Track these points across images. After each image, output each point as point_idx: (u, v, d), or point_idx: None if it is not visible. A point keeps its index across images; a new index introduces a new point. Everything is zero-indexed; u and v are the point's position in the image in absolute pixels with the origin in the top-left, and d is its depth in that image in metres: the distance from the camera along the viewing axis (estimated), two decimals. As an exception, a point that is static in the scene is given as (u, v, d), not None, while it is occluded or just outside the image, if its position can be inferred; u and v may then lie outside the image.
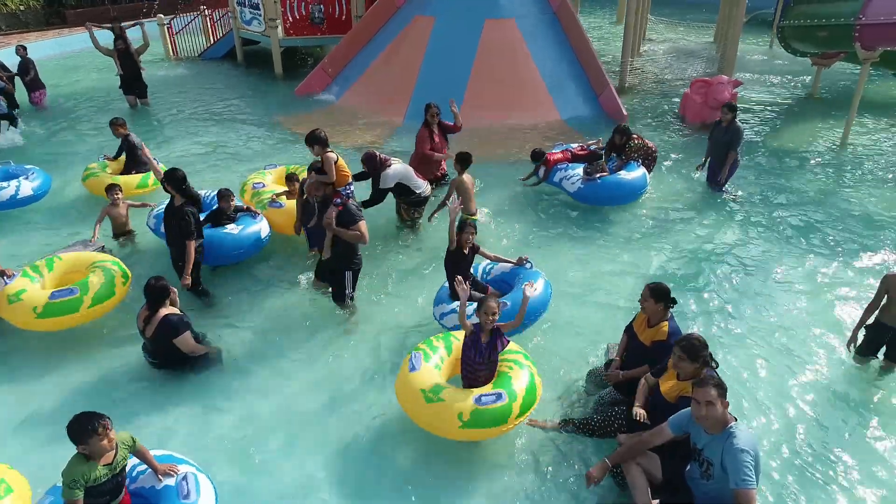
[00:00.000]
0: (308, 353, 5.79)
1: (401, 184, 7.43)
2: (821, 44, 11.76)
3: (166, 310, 5.35)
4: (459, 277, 4.81)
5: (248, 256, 7.00)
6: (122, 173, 8.84)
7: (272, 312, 6.40)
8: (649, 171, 8.64)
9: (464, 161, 7.34)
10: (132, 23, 13.18)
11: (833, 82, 14.10)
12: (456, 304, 5.55)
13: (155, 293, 5.31)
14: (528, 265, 6.00)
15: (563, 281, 6.72)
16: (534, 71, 12.13)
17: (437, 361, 4.75)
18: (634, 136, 8.53)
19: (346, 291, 6.12)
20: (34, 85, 12.85)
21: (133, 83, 12.90)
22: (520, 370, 4.61)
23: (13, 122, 11.61)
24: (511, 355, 4.77)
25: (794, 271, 6.99)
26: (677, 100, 12.99)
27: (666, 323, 4.53)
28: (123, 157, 8.96)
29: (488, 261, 6.20)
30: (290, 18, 15.05)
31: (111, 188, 7.52)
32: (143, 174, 8.73)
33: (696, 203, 8.62)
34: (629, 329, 4.84)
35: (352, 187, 7.26)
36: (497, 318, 4.47)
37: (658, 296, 4.46)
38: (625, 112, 11.64)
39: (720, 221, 8.11)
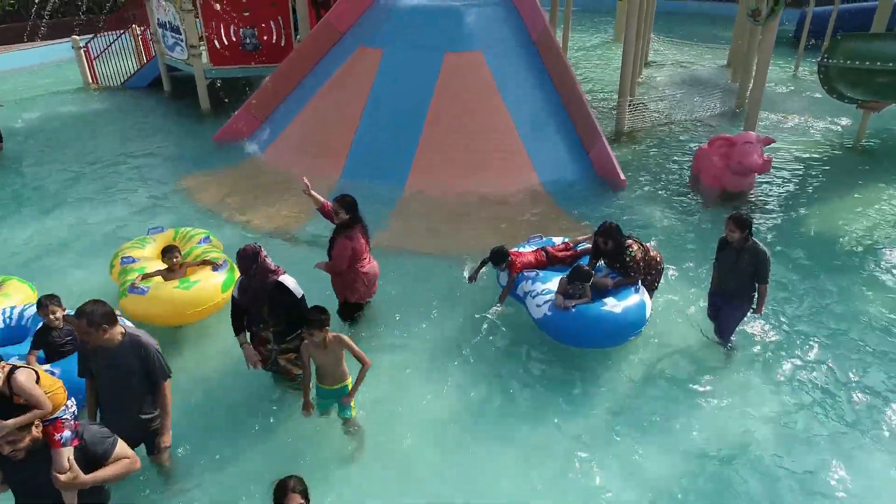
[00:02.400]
0: None
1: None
2: (880, 91, 9.10)
3: None
4: None
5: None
6: None
7: None
8: (652, 290, 6.01)
9: (320, 324, 4.39)
10: None
11: (882, 127, 11.40)
12: None
13: None
14: None
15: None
16: (506, 119, 9.46)
17: None
18: (631, 241, 5.82)
19: None
20: None
21: None
22: None
23: None
24: None
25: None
26: (688, 152, 10.35)
27: None
28: None
29: None
30: (218, 45, 12.39)
31: None
32: None
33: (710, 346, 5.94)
34: None
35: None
36: None
37: None
38: (621, 176, 8.97)
39: (755, 388, 5.43)
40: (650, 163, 10.15)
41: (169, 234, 6.89)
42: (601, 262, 6.00)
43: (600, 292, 5.70)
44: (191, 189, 9.40)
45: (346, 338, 4.53)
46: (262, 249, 4.85)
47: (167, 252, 5.95)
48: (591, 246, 6.33)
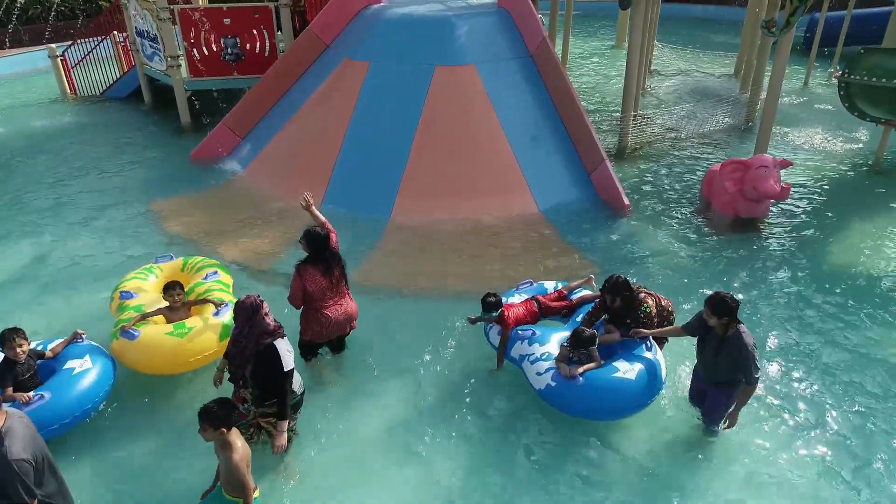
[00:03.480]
0: None
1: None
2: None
3: None
4: None
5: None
6: None
7: None
8: (662, 343, 5.34)
9: (218, 419, 3.65)
10: None
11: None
12: None
13: None
14: None
15: None
16: (501, 138, 8.79)
17: None
18: (644, 295, 5.08)
19: None
20: None
21: None
22: None
23: None
24: None
25: None
26: (696, 170, 9.70)
27: None
28: None
29: None
30: (198, 55, 11.70)
31: None
32: None
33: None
34: None
35: None
36: None
37: None
38: (625, 201, 8.31)
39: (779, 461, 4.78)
40: (656, 183, 9.48)
41: (177, 264, 6.33)
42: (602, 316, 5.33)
43: (608, 349, 5.04)
44: (164, 213, 8.72)
45: (233, 452, 3.65)
46: (265, 305, 4.25)
47: (168, 289, 5.40)
48: (588, 293, 5.70)
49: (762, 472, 4.58)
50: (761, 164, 7.68)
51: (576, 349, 4.79)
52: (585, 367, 4.76)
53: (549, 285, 5.95)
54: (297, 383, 4.49)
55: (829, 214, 8.44)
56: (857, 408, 5.14)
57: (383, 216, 8.26)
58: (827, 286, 6.79)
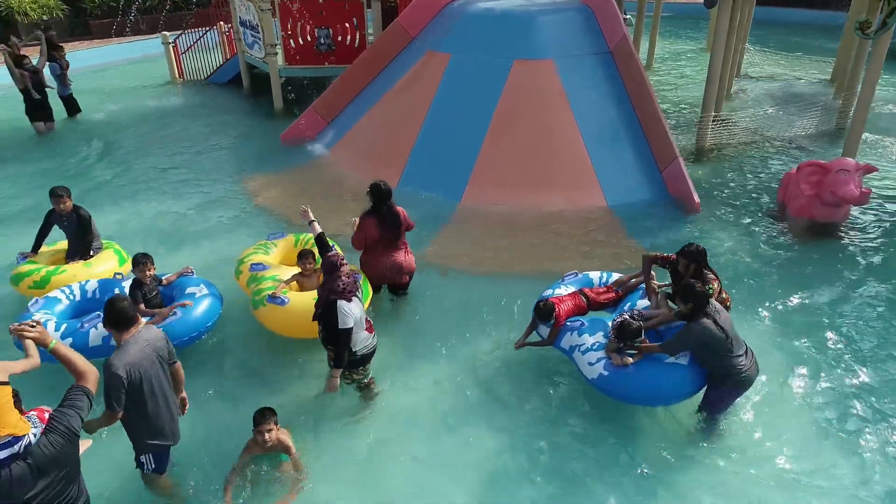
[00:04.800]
0: None
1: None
2: None
3: None
4: None
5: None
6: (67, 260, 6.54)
7: None
8: None
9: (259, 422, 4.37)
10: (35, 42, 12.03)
11: None
12: None
13: None
14: None
15: None
16: (574, 133, 8.94)
17: None
18: (713, 276, 5.15)
19: None
20: None
21: (43, 107, 11.64)
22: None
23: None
24: None
25: None
26: (776, 175, 9.46)
27: None
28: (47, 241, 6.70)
29: None
30: (293, 44, 12.49)
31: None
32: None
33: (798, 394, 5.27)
34: None
35: None
36: None
37: None
38: (696, 199, 8.27)
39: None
40: (731, 185, 9.33)
41: (290, 240, 6.80)
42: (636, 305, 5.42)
43: (658, 333, 5.15)
44: (253, 187, 9.46)
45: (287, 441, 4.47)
46: (344, 268, 4.72)
47: (302, 257, 5.87)
48: (633, 282, 5.76)
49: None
50: (841, 167, 7.46)
51: (622, 341, 4.92)
52: (638, 355, 4.87)
53: (595, 276, 6.06)
54: (361, 344, 4.86)
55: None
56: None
57: (454, 200, 8.60)
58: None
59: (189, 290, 5.82)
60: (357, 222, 5.96)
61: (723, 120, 10.92)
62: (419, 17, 10.57)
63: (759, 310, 6.35)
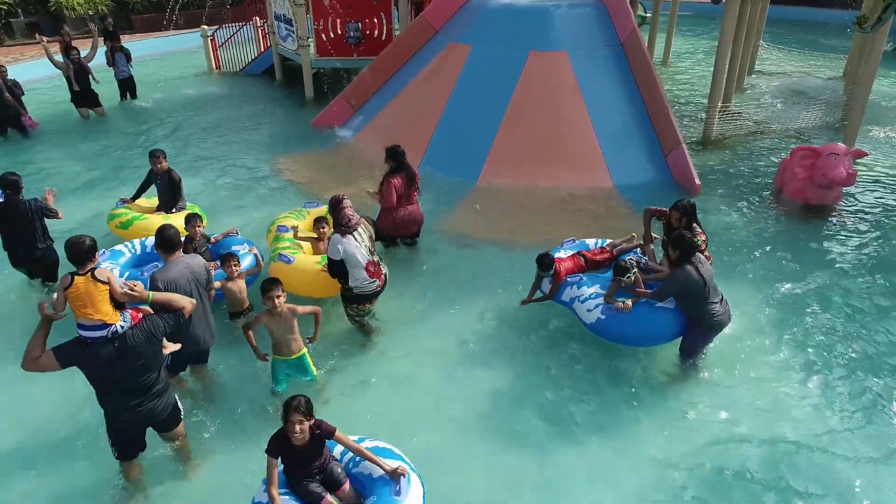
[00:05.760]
0: None
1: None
2: None
3: None
4: None
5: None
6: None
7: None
8: None
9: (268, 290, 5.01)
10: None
11: None
12: None
13: None
14: (400, 484, 3.78)
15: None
16: (584, 119, 9.59)
17: None
18: (700, 231, 5.80)
19: None
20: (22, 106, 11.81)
21: (86, 95, 12.50)
22: None
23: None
24: None
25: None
26: (775, 164, 9.97)
27: None
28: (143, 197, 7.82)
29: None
30: (325, 37, 13.31)
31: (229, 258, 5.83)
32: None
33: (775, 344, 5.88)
34: None
35: None
36: None
37: None
38: (697, 182, 8.85)
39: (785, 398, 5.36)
40: (733, 171, 9.88)
41: (323, 210, 7.42)
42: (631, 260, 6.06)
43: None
44: (287, 166, 10.28)
45: (297, 307, 5.06)
46: (345, 201, 5.45)
47: (317, 222, 6.56)
48: (626, 245, 6.39)
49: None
50: (832, 151, 8.00)
51: (617, 276, 5.60)
52: (634, 298, 5.54)
53: (591, 241, 6.72)
54: (357, 283, 5.52)
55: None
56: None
57: (471, 179, 9.30)
58: (882, 278, 7.04)
59: (234, 248, 6.59)
60: (374, 192, 6.96)
61: (730, 112, 11.45)
62: (443, 12, 11.29)
63: (748, 275, 6.97)
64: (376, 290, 5.69)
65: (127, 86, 13.68)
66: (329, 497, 3.83)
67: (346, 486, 3.95)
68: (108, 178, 9.92)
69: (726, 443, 4.82)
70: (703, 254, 5.68)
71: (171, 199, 7.41)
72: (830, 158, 7.96)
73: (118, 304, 3.86)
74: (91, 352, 3.76)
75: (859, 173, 9.34)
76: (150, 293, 4.07)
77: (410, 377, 5.57)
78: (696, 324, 5.33)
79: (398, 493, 3.73)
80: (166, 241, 4.73)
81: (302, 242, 6.61)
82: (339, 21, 13.14)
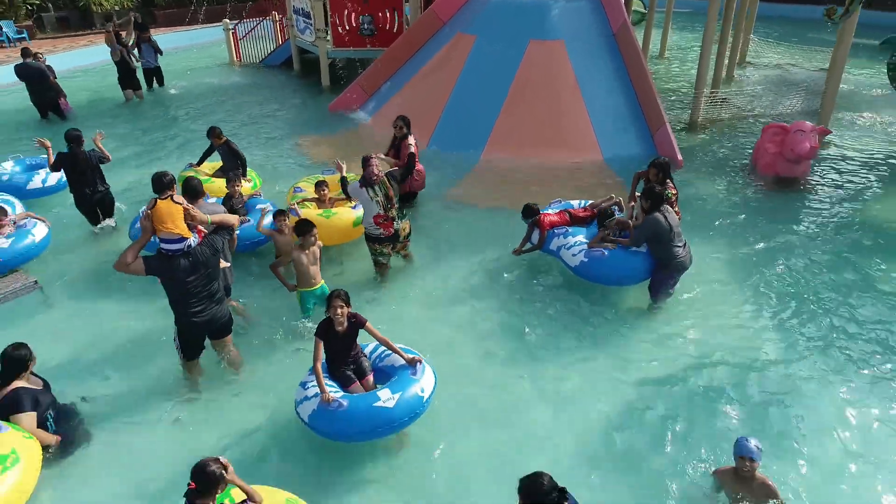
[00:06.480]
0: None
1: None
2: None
3: (20, 382, 4.64)
4: None
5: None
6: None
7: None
8: None
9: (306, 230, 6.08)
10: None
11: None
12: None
13: (9, 364, 4.63)
14: (417, 368, 4.81)
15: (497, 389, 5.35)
16: (578, 101, 10.54)
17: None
18: (671, 185, 6.81)
19: None
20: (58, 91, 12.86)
21: (133, 77, 13.80)
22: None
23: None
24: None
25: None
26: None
27: None
28: (208, 164, 8.96)
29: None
30: (341, 29, 14.31)
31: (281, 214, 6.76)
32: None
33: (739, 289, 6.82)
34: None
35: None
36: None
37: (530, 497, 3.11)
38: (680, 157, 9.79)
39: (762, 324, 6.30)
40: (715, 150, 10.81)
41: (336, 177, 8.22)
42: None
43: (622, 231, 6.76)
44: (307, 144, 11.28)
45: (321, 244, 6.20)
46: (373, 160, 6.51)
47: (318, 186, 7.57)
48: (606, 204, 7.32)
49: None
50: (799, 128, 8.91)
51: (601, 222, 6.62)
52: (612, 245, 6.51)
53: (575, 202, 7.66)
54: (368, 225, 6.61)
55: (872, 186, 9.38)
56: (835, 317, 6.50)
57: (475, 155, 10.27)
58: (845, 238, 7.92)
59: (259, 206, 7.54)
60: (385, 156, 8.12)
61: (716, 98, 12.37)
62: (450, 5, 12.26)
63: (721, 234, 7.92)
64: (381, 237, 6.67)
65: (153, 75, 14.70)
66: (357, 383, 4.81)
67: (370, 377, 4.94)
68: (143, 154, 10.97)
69: (696, 368, 5.69)
70: (672, 206, 6.64)
71: (232, 164, 8.46)
72: (798, 135, 8.87)
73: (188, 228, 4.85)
74: (171, 264, 4.75)
75: (830, 152, 10.28)
76: (209, 217, 5.06)
77: (409, 312, 6.55)
78: (663, 266, 6.27)
79: (415, 374, 4.71)
80: (191, 188, 5.78)
81: (308, 203, 7.56)
82: (353, 14, 14.13)
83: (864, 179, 9.56)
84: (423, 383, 4.75)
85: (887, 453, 4.74)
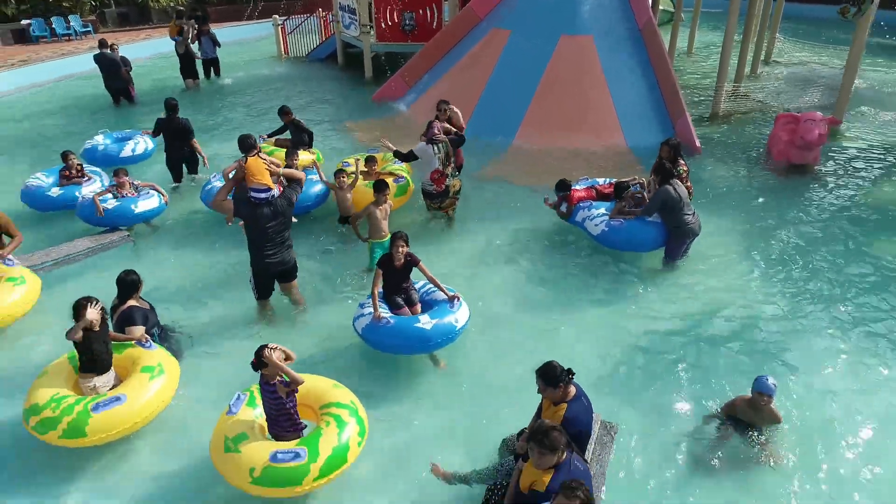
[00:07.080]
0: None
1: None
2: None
3: (133, 301, 5.62)
4: None
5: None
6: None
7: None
8: None
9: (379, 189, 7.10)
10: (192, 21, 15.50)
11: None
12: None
13: (123, 286, 5.60)
14: (455, 304, 5.78)
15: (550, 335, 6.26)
16: (604, 92, 11.35)
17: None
18: (683, 163, 7.65)
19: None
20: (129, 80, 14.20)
21: (193, 67, 15.23)
22: (336, 428, 4.35)
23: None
24: (335, 409, 4.53)
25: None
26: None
27: (564, 406, 4.04)
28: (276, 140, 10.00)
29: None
30: (384, 25, 15.34)
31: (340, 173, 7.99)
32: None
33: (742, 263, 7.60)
34: (539, 408, 4.40)
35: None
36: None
37: (546, 379, 4.01)
38: (698, 143, 10.54)
39: (764, 292, 7.08)
40: (733, 140, 11.51)
41: (380, 156, 9.39)
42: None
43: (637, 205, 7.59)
44: (352, 129, 12.32)
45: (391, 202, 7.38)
46: (436, 124, 7.74)
47: (368, 161, 8.59)
48: (633, 182, 8.14)
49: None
50: (809, 118, 9.59)
51: (618, 195, 7.44)
52: (629, 216, 7.36)
53: (601, 179, 8.50)
54: (424, 180, 7.75)
55: (881, 176, 9.98)
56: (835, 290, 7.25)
57: (508, 140, 11.17)
58: (844, 218, 8.63)
59: (310, 176, 8.55)
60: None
61: (738, 92, 13.05)
62: (487, 2, 13.17)
63: (735, 213, 8.65)
64: (433, 192, 7.75)
65: (211, 65, 15.93)
66: (406, 309, 5.76)
67: (418, 307, 5.90)
68: (204, 132, 12.08)
69: (703, 315, 6.54)
70: (684, 181, 7.46)
71: (298, 139, 9.57)
72: (808, 124, 9.55)
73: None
74: (256, 211, 5.76)
75: (843, 144, 10.92)
76: (281, 169, 6.07)
77: (453, 267, 7.49)
78: (675, 232, 7.10)
79: (452, 308, 5.66)
80: (244, 146, 6.94)
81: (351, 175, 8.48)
82: (396, 11, 15.14)
83: (872, 168, 10.19)
84: (458, 315, 5.69)
85: (869, 385, 5.59)
